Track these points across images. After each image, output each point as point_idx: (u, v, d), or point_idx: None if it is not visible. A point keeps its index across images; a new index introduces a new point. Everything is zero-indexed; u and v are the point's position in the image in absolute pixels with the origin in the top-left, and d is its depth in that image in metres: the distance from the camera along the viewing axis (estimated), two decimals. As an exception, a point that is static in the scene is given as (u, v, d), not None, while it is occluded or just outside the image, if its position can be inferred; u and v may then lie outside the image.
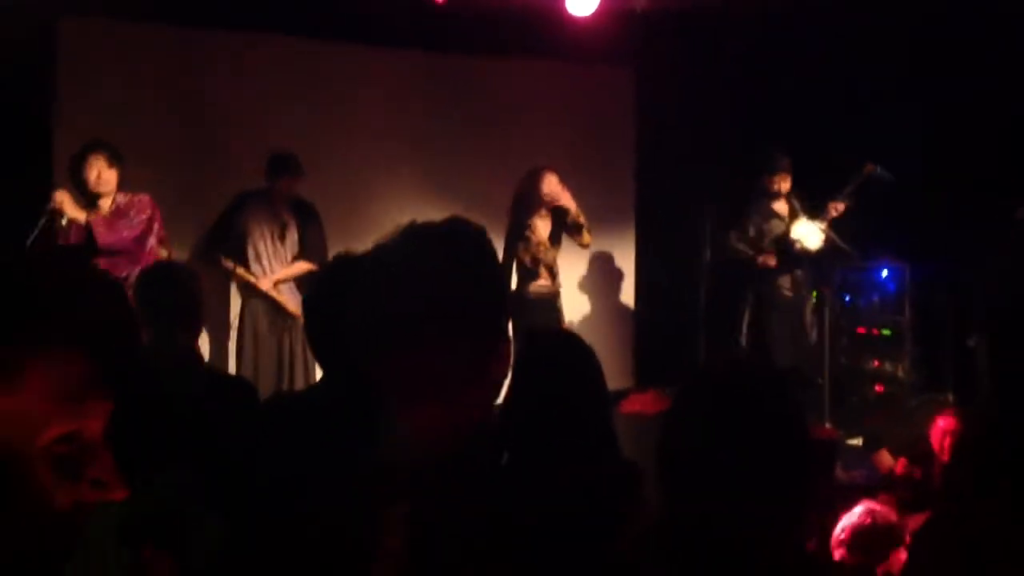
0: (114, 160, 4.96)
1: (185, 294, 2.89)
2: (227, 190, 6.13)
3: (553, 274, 6.19)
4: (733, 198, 6.86)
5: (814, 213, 6.49)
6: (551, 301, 6.20)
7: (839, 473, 5.19)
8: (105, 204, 4.98)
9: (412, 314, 1.23)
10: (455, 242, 1.30)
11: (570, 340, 2.37)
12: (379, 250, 1.32)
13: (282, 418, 2.04)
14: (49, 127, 5.72)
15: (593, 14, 6.07)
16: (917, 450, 4.34)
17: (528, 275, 6.16)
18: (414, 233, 1.31)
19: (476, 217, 1.39)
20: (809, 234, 6.48)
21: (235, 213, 5.87)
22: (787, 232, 6.51)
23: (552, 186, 6.09)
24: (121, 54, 6.06)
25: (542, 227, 6.16)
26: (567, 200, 6.11)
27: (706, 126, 7.14)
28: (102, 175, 4.91)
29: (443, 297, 1.24)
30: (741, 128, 7.18)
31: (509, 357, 1.33)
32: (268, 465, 1.85)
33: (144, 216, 4.99)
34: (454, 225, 1.33)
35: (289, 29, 6.38)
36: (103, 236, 4.84)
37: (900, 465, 4.52)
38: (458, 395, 1.25)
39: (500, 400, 1.97)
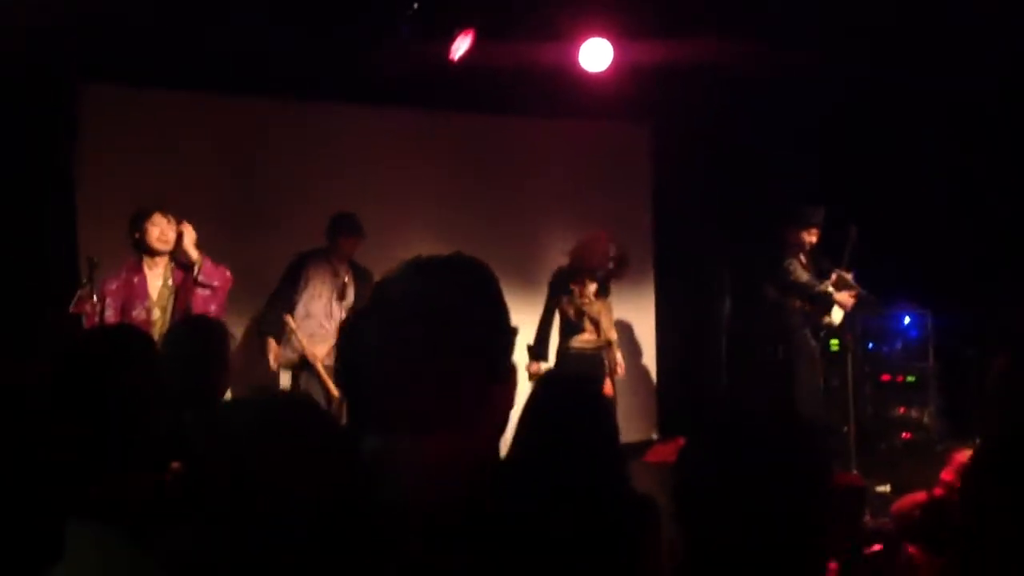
0: (174, 220, 5.02)
1: (209, 346, 2.95)
2: (253, 252, 6.23)
3: (598, 327, 6.11)
4: (750, 249, 6.89)
5: (822, 279, 6.56)
6: (596, 355, 6.11)
7: (868, 520, 5.13)
8: (161, 261, 5.04)
9: (414, 344, 1.23)
10: (457, 273, 1.31)
11: (580, 382, 2.38)
12: (383, 283, 1.33)
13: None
14: (72, 190, 5.86)
15: (608, 72, 6.18)
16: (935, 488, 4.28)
17: (572, 328, 6.10)
18: (417, 266, 1.32)
19: (497, 272, 1.40)
20: (837, 314, 6.56)
21: (296, 272, 5.83)
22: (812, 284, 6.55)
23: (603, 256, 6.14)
24: (139, 120, 6.17)
25: (589, 283, 6.15)
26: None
27: (721, 179, 7.21)
28: (165, 233, 4.98)
29: (444, 327, 1.24)
30: (755, 179, 7.25)
31: (514, 391, 1.32)
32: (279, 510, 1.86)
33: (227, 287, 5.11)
34: (456, 257, 1.34)
35: (308, 93, 6.53)
36: (209, 272, 4.98)
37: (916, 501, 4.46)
38: (463, 429, 1.25)
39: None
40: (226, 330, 3.35)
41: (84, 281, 4.84)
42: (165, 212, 5.02)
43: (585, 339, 6.09)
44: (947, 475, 4.33)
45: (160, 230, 4.99)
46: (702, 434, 1.70)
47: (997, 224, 6.36)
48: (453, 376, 1.24)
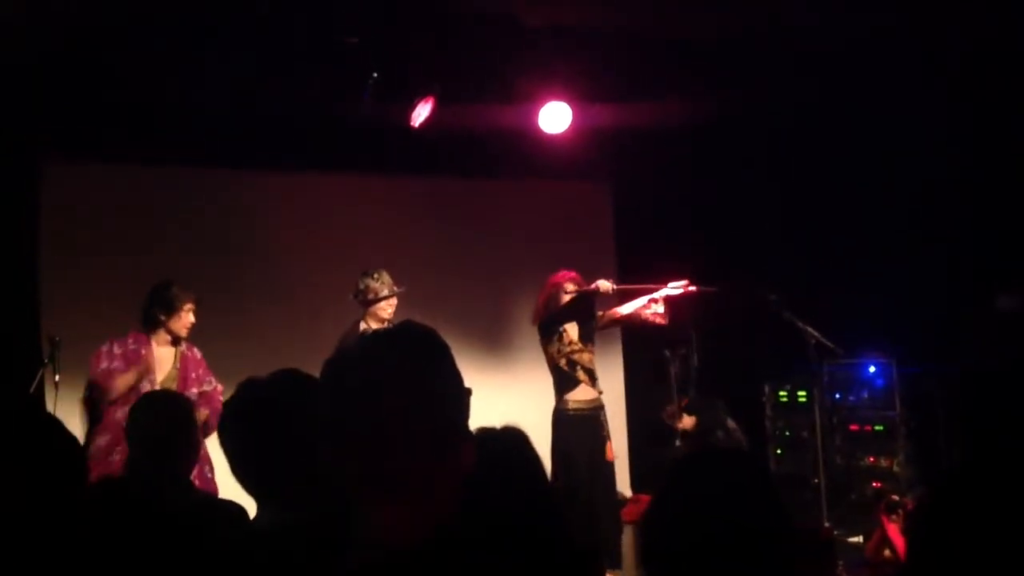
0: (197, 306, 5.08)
1: (172, 421, 2.92)
2: (221, 322, 6.20)
3: (593, 377, 5.84)
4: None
5: None
6: (593, 415, 5.78)
7: (840, 572, 5.14)
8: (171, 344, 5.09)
9: (371, 418, 1.25)
10: (407, 344, 1.33)
11: (507, 435, 2.33)
12: (336, 359, 1.37)
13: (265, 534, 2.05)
14: (35, 268, 5.83)
15: (568, 133, 6.27)
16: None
17: (567, 382, 5.79)
18: (368, 339, 1.38)
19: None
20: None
21: None
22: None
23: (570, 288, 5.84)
24: (103, 195, 6.19)
25: (571, 329, 5.89)
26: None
27: (683, 235, 7.31)
28: (189, 324, 5.05)
29: (399, 399, 1.26)
30: (717, 235, 7.36)
31: (472, 452, 1.34)
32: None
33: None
34: (405, 327, 1.38)
35: (272, 163, 6.57)
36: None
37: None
38: (423, 495, 1.27)
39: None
40: (192, 405, 3.32)
41: (45, 361, 4.80)
42: (195, 302, 5.03)
43: (580, 396, 5.76)
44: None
45: (191, 321, 5.02)
46: (666, 492, 1.72)
47: (960, 271, 6.46)
48: (411, 447, 1.25)
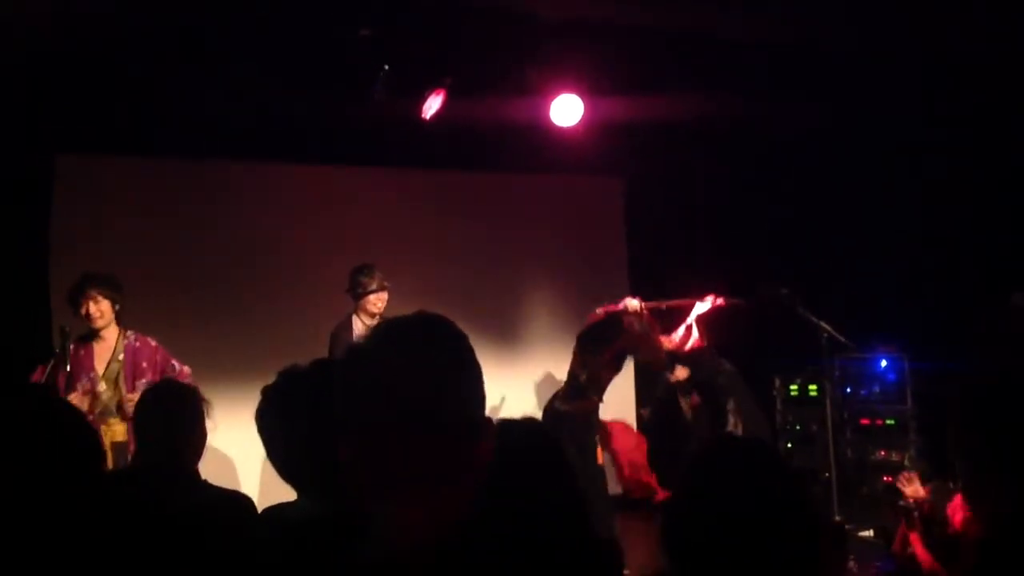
0: (106, 292, 4.98)
1: (177, 416, 2.92)
2: (232, 316, 6.23)
3: (601, 393, 5.72)
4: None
5: None
6: (588, 418, 5.64)
7: (852, 566, 5.12)
8: (110, 336, 5.04)
9: (371, 416, 1.21)
10: (426, 338, 1.28)
11: (533, 428, 2.31)
12: (353, 353, 1.31)
13: (278, 527, 2.05)
14: (46, 259, 5.86)
15: (579, 127, 6.24)
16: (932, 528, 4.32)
17: (576, 390, 5.64)
18: (385, 334, 1.31)
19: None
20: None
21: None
22: None
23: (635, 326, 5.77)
24: (113, 187, 6.21)
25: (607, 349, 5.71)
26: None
27: (693, 230, 7.30)
28: (99, 308, 4.95)
29: (420, 399, 1.21)
30: (727, 232, 7.34)
31: (492, 445, 1.29)
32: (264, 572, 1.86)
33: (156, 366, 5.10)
34: (422, 320, 1.32)
35: (282, 156, 6.57)
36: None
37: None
38: (440, 491, 1.23)
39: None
40: (198, 395, 3.32)
41: (56, 350, 4.81)
42: (99, 286, 4.95)
43: (580, 404, 5.58)
44: (955, 511, 4.40)
45: (93, 306, 4.93)
46: (686, 485, 1.71)
47: (971, 266, 6.43)
48: (414, 446, 1.20)
